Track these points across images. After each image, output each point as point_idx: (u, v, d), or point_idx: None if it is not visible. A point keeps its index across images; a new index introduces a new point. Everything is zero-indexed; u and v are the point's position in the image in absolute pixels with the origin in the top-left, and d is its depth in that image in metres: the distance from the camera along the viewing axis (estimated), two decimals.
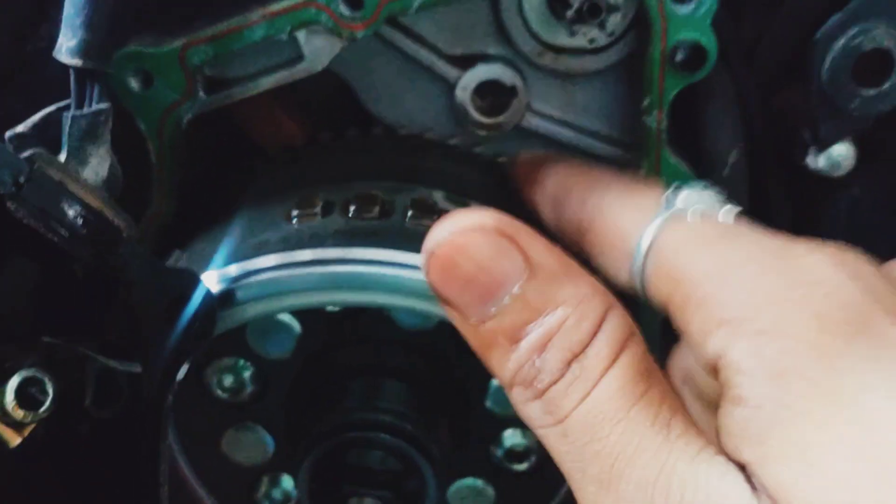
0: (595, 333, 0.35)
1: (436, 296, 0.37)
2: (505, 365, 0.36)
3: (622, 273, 0.42)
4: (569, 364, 0.35)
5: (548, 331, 0.35)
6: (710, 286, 0.36)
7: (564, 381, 0.35)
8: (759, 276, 0.35)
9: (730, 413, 0.34)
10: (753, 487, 0.32)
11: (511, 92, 0.56)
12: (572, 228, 0.46)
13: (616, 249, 0.42)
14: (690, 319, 0.36)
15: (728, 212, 0.41)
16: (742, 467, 0.33)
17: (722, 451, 0.34)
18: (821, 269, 0.35)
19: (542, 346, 0.35)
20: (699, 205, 0.41)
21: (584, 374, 0.34)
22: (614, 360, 0.35)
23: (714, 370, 0.35)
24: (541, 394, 0.35)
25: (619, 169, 0.53)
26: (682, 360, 0.45)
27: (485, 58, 0.56)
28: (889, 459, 0.30)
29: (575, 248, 0.46)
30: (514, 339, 0.35)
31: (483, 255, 0.35)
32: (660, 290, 0.39)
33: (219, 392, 0.54)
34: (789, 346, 0.33)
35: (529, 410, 0.36)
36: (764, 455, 0.32)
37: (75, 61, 0.39)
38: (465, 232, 0.36)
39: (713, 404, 0.39)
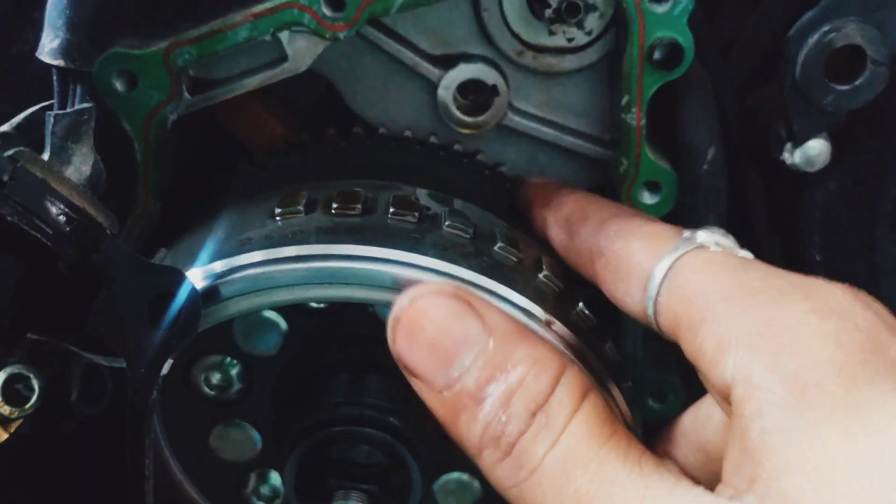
0: (555, 386, 0.37)
1: (402, 367, 0.39)
2: (473, 426, 0.37)
3: (631, 296, 0.44)
4: (534, 414, 0.36)
5: (510, 386, 0.37)
6: (729, 305, 0.38)
7: (532, 430, 0.36)
8: (778, 299, 0.37)
9: (747, 429, 0.35)
10: None
11: (492, 91, 0.56)
12: (585, 251, 0.48)
13: (629, 273, 0.44)
14: (706, 337, 0.38)
15: (746, 252, 0.43)
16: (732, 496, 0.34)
17: (699, 484, 0.35)
18: (838, 297, 0.37)
19: (507, 401, 0.37)
20: (718, 242, 0.43)
21: (551, 422, 0.36)
22: (577, 408, 0.37)
23: (725, 391, 0.36)
24: (510, 448, 0.37)
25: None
26: (681, 426, 0.47)
27: (466, 57, 0.56)
28: None
29: (585, 270, 0.48)
30: (479, 399, 0.37)
31: (444, 316, 0.38)
32: (673, 310, 0.41)
33: (206, 389, 0.55)
34: (809, 361, 0.34)
35: (501, 471, 0.37)
36: (786, 465, 0.33)
37: (58, 61, 0.39)
38: (425, 296, 0.39)
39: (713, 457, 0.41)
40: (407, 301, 0.39)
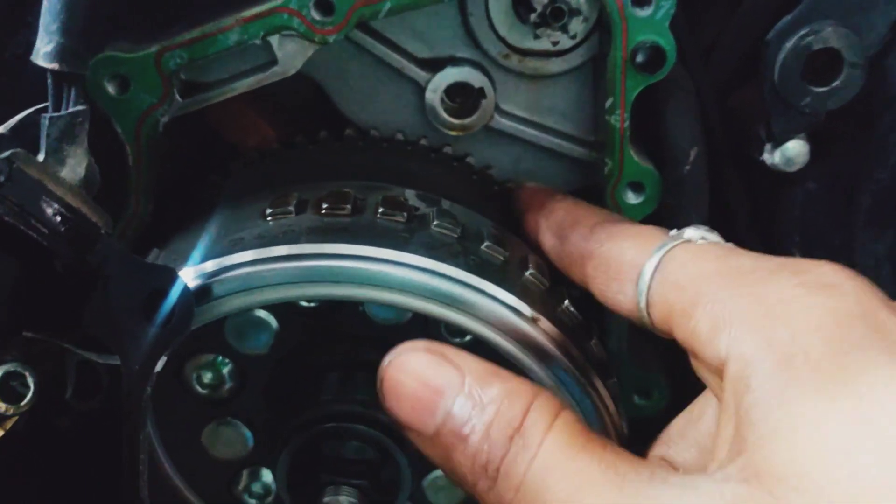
0: (527, 411, 0.40)
1: (397, 423, 0.42)
2: (463, 461, 0.40)
3: (624, 293, 0.46)
4: (511, 438, 0.39)
5: (488, 419, 0.40)
6: (721, 287, 0.39)
7: (512, 453, 0.39)
8: (768, 277, 0.39)
9: (737, 405, 0.35)
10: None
11: (479, 94, 0.57)
12: (576, 255, 0.50)
13: (621, 271, 0.46)
14: (700, 319, 0.39)
15: (731, 245, 0.45)
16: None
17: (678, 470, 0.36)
18: (825, 271, 0.38)
19: (487, 433, 0.40)
20: (705, 237, 0.45)
21: (527, 443, 0.39)
22: (550, 426, 0.39)
23: (720, 370, 0.37)
24: (496, 473, 0.39)
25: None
26: (676, 427, 0.48)
27: (453, 61, 0.57)
28: (888, 431, 0.32)
29: (576, 273, 0.50)
30: (464, 436, 0.40)
31: (420, 369, 0.41)
32: (666, 299, 0.43)
33: (198, 388, 0.55)
34: (798, 332, 0.35)
35: (494, 497, 0.40)
36: (768, 437, 0.33)
37: (52, 65, 0.40)
38: (400, 353, 0.42)
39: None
40: (386, 362, 0.42)
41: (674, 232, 0.46)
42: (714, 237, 0.45)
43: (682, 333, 0.41)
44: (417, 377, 0.41)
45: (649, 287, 0.44)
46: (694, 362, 0.42)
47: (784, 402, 0.34)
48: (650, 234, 0.46)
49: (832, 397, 0.33)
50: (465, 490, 0.41)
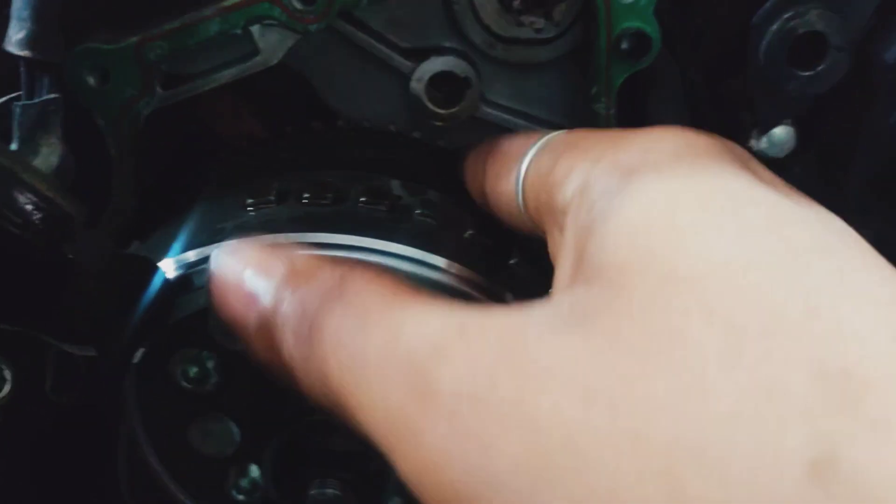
0: (344, 276, 0.36)
1: (230, 329, 0.39)
2: (284, 341, 0.36)
3: (506, 194, 0.44)
4: (325, 300, 0.35)
5: (307, 287, 0.36)
6: (581, 145, 0.38)
7: (326, 314, 0.35)
8: (629, 133, 0.38)
9: (575, 228, 0.34)
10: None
11: (465, 83, 0.57)
12: (479, 162, 0.49)
13: (504, 165, 0.45)
14: (555, 174, 0.38)
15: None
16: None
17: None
18: (684, 129, 0.37)
19: (302, 304, 0.36)
20: None
21: (344, 300, 0.35)
22: (367, 285, 0.35)
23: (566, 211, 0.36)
24: (310, 338, 0.35)
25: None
26: None
27: (438, 50, 0.57)
28: (728, 209, 0.30)
29: (475, 187, 0.49)
30: (283, 314, 0.36)
31: (239, 263, 0.39)
32: (536, 171, 0.41)
33: (183, 383, 0.55)
34: (647, 151, 0.34)
35: (313, 367, 0.36)
36: (602, 239, 0.31)
37: (24, 52, 0.40)
38: (223, 249, 0.40)
39: None
40: (210, 265, 0.40)
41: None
42: None
43: (546, 199, 0.39)
44: (237, 273, 0.38)
45: (524, 177, 0.42)
46: (556, 227, 0.39)
47: (621, 206, 0.31)
48: (543, 132, 0.45)
49: (672, 189, 0.31)
50: (289, 382, 0.38)
